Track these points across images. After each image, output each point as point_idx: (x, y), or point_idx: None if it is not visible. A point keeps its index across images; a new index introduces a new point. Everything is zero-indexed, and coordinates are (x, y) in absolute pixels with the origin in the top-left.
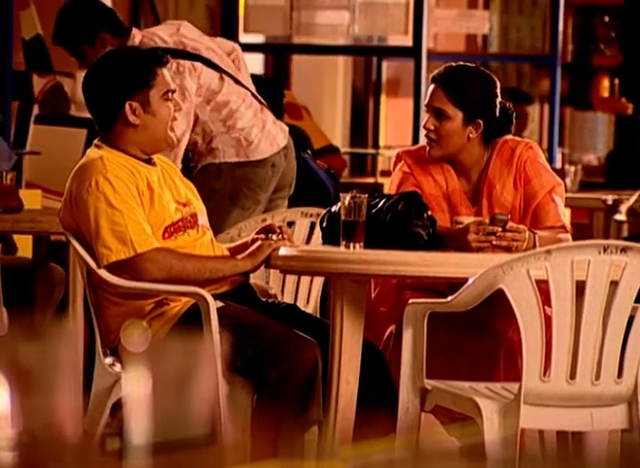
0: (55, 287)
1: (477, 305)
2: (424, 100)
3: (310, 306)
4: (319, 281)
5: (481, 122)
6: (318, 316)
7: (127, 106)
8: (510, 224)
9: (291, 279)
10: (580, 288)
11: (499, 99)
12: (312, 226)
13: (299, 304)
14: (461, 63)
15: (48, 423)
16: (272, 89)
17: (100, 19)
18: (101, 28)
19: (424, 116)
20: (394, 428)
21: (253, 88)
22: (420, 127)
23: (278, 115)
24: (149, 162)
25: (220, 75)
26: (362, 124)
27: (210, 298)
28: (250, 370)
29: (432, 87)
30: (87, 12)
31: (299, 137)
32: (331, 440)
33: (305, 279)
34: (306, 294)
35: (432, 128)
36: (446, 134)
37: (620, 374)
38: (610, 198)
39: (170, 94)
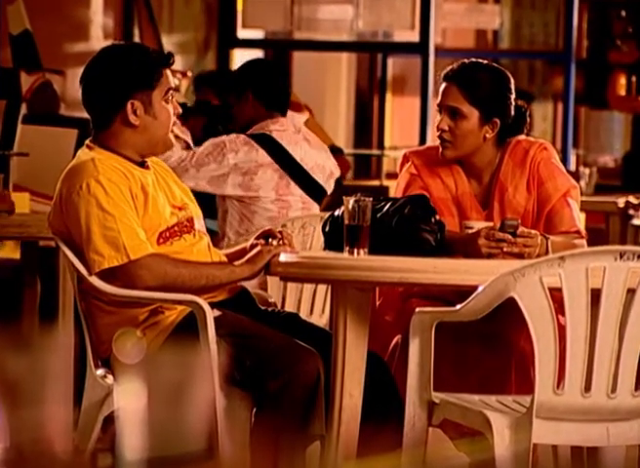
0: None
1: (487, 314)
2: (437, 100)
3: (323, 319)
4: (324, 290)
5: (498, 121)
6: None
7: (128, 105)
8: (522, 229)
9: (293, 287)
10: (596, 296)
11: (513, 97)
12: None
13: (302, 314)
14: (474, 60)
15: (36, 438)
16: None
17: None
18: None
19: (436, 116)
20: (400, 443)
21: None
22: (428, 127)
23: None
24: (143, 165)
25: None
26: (366, 124)
27: (206, 307)
28: (248, 383)
29: (445, 85)
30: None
31: None
32: (334, 456)
33: (309, 287)
34: (309, 303)
35: (447, 128)
36: (461, 134)
37: (637, 387)
38: (621, 201)
39: (170, 93)
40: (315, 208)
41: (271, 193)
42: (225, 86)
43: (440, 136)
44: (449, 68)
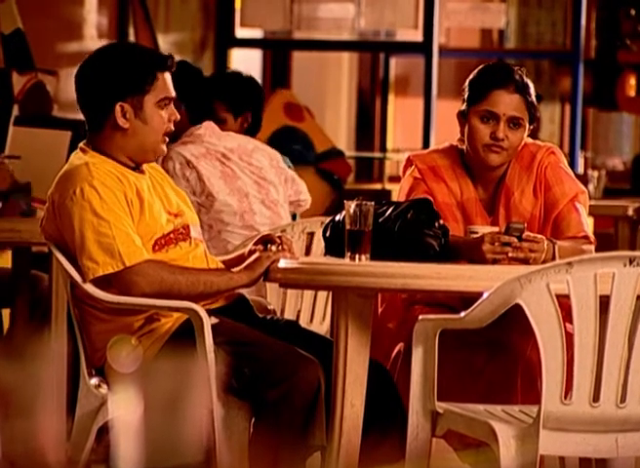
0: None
1: (492, 322)
2: (490, 107)
3: (324, 327)
4: (324, 296)
5: (532, 126)
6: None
7: (117, 108)
8: (527, 233)
9: (293, 294)
10: (604, 303)
11: None
12: None
13: (301, 321)
14: (508, 62)
15: (29, 449)
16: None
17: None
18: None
19: (480, 125)
20: (403, 454)
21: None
22: (432, 128)
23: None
24: (137, 169)
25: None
26: (368, 125)
27: (203, 314)
28: (247, 392)
29: (503, 93)
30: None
31: (300, 140)
32: (335, 467)
33: (309, 294)
34: (310, 310)
35: (505, 137)
36: (518, 143)
37: None
38: (631, 208)
39: (166, 101)
40: (272, 192)
41: (219, 182)
42: None
43: (495, 145)
44: (503, 73)
